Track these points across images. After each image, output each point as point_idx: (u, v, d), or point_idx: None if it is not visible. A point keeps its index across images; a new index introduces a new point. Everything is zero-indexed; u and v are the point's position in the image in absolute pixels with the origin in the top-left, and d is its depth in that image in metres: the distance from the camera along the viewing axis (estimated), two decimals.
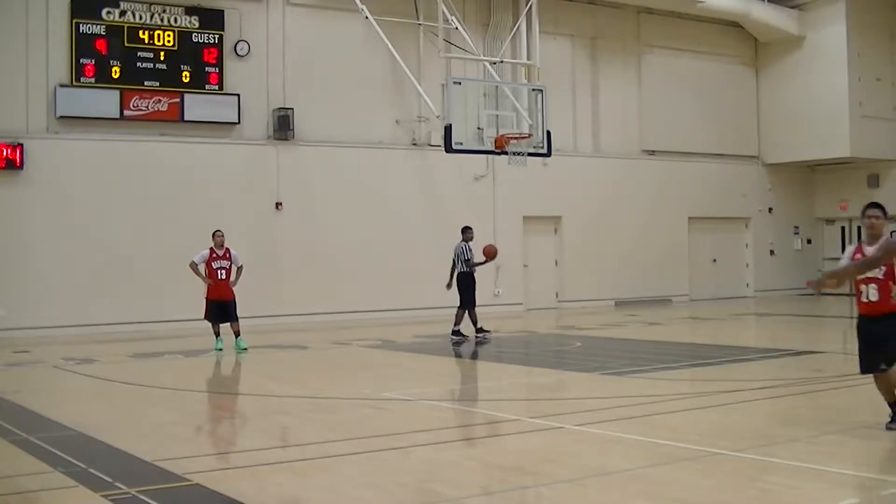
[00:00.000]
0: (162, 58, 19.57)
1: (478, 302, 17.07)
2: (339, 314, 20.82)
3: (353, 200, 21.41)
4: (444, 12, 19.20)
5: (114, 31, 19.16)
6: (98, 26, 19.02)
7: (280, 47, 20.98)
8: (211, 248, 15.32)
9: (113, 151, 19.16)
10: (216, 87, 20.10)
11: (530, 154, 18.95)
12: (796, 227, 29.03)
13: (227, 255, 15.33)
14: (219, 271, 15.26)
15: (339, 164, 21.32)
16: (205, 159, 20.02)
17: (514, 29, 21.63)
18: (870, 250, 7.61)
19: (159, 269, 19.05)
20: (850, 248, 7.90)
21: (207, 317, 15.44)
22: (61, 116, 18.72)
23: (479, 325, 16.93)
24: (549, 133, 19.14)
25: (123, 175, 19.22)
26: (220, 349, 15.22)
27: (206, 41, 20.07)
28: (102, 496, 6.17)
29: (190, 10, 19.93)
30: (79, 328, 18.33)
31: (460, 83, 18.38)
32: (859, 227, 20.88)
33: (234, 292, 15.38)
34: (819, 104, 26.13)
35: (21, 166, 18.26)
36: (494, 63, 20.69)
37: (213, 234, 15.49)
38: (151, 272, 19.16)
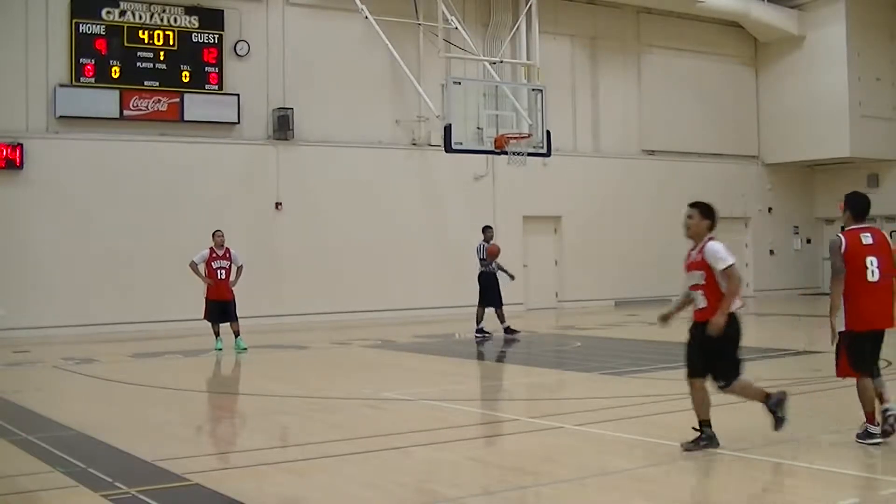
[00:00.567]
0: (162, 58, 19.56)
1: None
2: (339, 314, 20.80)
3: (352, 200, 21.40)
4: (443, 12, 19.21)
5: (114, 30, 19.16)
6: (98, 26, 19.02)
7: (280, 47, 20.98)
8: (211, 248, 15.32)
9: (113, 151, 19.15)
10: (216, 87, 20.10)
11: (530, 154, 18.98)
12: (796, 227, 29.04)
13: (227, 255, 15.34)
14: (219, 271, 15.26)
15: (339, 164, 21.30)
16: (204, 159, 20.01)
17: (514, 29, 21.66)
18: (693, 254, 7.13)
19: (159, 268, 19.05)
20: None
21: (207, 316, 15.45)
22: (61, 116, 18.72)
23: (506, 325, 16.94)
24: (548, 133, 19.16)
25: (123, 175, 19.21)
26: (220, 349, 15.22)
27: (206, 41, 20.06)
28: (102, 496, 6.17)
29: (190, 10, 19.93)
30: (79, 328, 18.32)
31: (460, 83, 18.42)
32: None
33: (234, 292, 15.39)
34: (819, 104, 26.13)
35: (21, 166, 18.26)
36: (494, 63, 20.70)
37: (213, 234, 15.50)
38: (151, 272, 19.16)
